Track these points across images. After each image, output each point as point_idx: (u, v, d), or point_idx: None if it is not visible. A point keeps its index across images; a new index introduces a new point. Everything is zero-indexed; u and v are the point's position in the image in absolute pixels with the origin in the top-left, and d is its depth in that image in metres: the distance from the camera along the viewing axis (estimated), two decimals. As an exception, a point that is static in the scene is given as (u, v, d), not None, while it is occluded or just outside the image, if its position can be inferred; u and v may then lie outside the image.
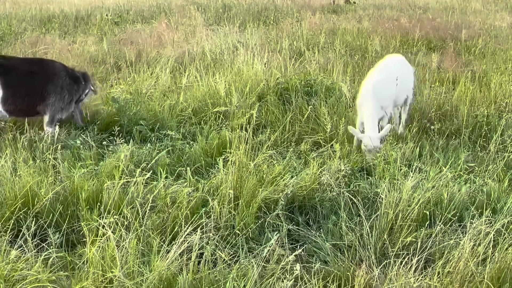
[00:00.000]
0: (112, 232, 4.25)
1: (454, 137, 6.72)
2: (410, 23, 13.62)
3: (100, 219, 4.55)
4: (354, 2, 19.84)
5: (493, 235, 4.37)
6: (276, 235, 4.50)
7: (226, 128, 6.93)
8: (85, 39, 12.36)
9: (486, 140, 6.65)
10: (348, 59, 10.54)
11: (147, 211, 4.65)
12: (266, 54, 9.82)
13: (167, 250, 4.32)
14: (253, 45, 10.36)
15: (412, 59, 10.55)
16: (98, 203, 4.90)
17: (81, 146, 6.14)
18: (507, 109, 7.62)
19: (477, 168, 5.75)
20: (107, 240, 4.20)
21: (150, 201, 4.77)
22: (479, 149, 6.31)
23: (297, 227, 4.91)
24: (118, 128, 6.48)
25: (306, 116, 7.09)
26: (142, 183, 5.09)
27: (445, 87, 8.51)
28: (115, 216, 4.51)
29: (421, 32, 12.74)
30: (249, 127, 5.78)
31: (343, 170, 5.43)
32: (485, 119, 7.10)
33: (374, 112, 6.30)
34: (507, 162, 5.97)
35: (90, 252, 4.19)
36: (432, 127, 6.76)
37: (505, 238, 4.43)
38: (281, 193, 5.10)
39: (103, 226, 4.36)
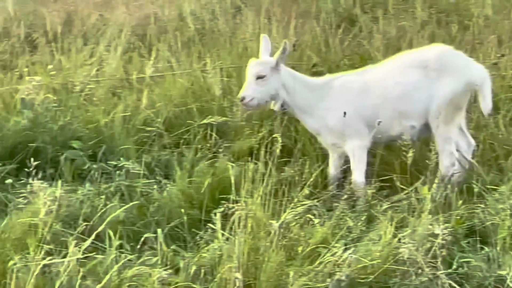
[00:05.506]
0: None
1: None
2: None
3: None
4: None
5: None
6: None
7: (225, 155, 4.59)
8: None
9: None
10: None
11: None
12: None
13: None
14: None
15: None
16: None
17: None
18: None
19: None
20: None
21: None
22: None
23: None
24: (33, 154, 4.29)
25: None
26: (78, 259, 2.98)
27: None
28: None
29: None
30: (271, 153, 3.69)
31: (440, 234, 3.18)
32: None
33: None
34: None
35: None
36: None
37: None
38: (328, 279, 3.09)
39: None
